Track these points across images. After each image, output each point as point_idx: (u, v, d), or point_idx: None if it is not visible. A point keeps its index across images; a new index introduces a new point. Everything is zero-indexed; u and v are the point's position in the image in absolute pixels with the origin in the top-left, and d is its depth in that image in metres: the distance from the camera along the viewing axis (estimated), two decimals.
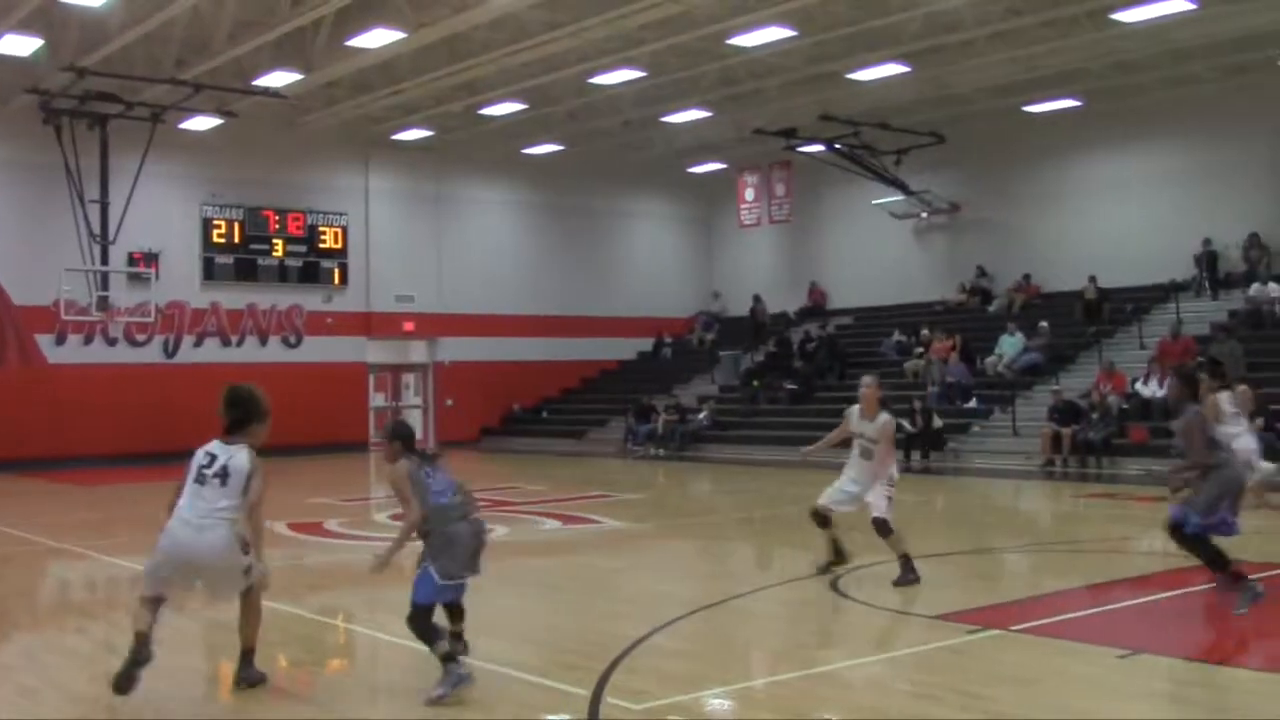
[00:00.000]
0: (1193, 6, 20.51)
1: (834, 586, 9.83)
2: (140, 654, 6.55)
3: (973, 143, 29.30)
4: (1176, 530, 8.60)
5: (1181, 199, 26.43)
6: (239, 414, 7.06)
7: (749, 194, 32.50)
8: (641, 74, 24.85)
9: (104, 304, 25.34)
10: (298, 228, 29.75)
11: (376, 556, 6.93)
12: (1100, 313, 26.06)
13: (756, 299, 33.98)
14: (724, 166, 34.07)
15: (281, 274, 29.54)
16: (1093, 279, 26.37)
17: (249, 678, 7.01)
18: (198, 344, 28.37)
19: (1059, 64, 24.06)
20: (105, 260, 25.40)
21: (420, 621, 6.82)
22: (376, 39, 21.47)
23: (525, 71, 24.60)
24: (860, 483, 10.09)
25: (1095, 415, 21.22)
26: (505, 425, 32.88)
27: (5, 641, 8.88)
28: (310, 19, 21.04)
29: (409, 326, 31.59)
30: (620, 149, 32.58)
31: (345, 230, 30.44)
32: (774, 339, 31.74)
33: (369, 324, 30.98)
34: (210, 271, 28.60)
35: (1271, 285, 23.95)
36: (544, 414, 33.18)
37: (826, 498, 10.20)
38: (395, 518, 8.24)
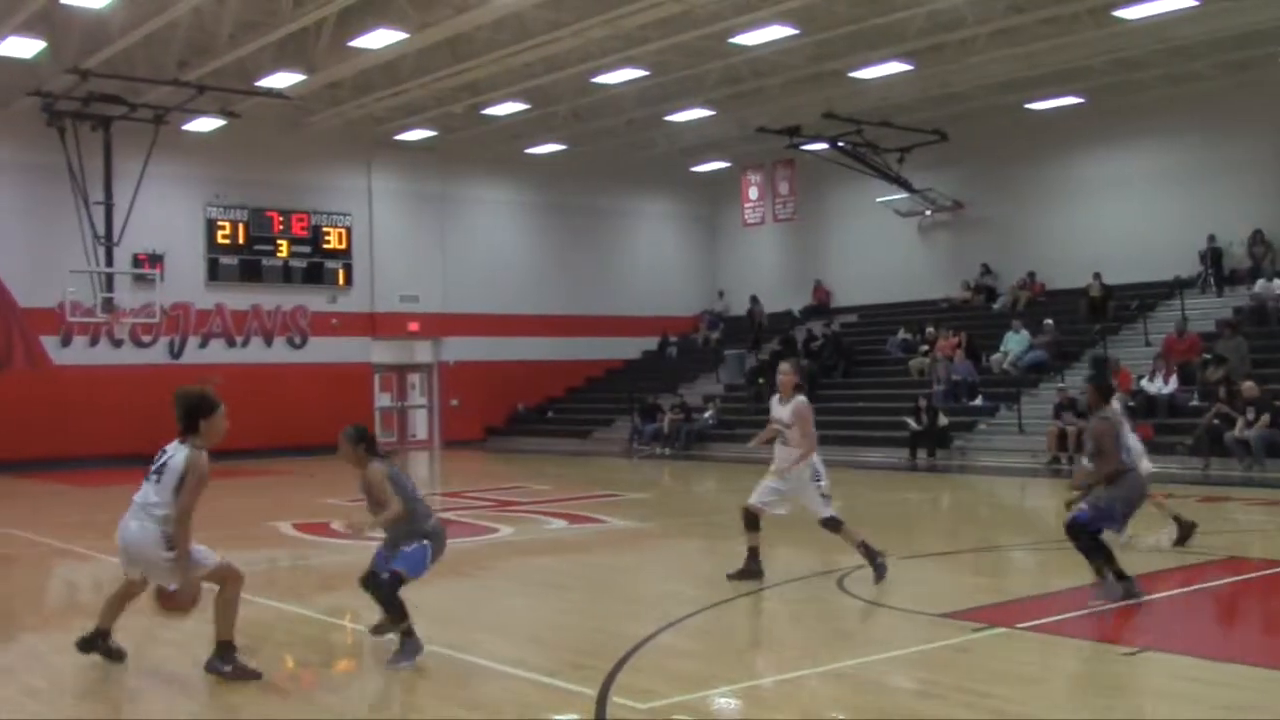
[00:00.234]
0: (1195, 3, 20.47)
1: (840, 585, 9.82)
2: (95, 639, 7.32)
3: (976, 140, 29.28)
4: (1076, 528, 8.59)
5: (1186, 196, 26.39)
6: (180, 414, 7.24)
7: (753, 193, 32.49)
8: (644, 73, 24.85)
9: (109, 305, 25.41)
10: (302, 228, 29.78)
11: (352, 523, 7.60)
12: (1105, 310, 26.02)
13: (754, 300, 34.00)
14: (727, 165, 34.06)
15: (286, 274, 29.58)
16: (1097, 276, 26.33)
17: (213, 668, 7.07)
18: (203, 345, 28.41)
19: (1061, 61, 24.04)
20: (110, 262, 25.46)
21: (395, 590, 7.16)
22: (379, 39, 21.48)
23: (528, 71, 24.60)
24: (782, 473, 9.93)
25: None
26: (510, 425, 32.89)
27: (11, 642, 8.89)
28: (313, 19, 21.05)
29: (414, 327, 31.61)
30: (623, 148, 32.58)
31: (349, 231, 30.47)
32: (778, 337, 31.72)
33: (374, 324, 31.00)
34: (215, 272, 28.64)
35: (1276, 281, 23.94)
36: (549, 414, 33.19)
37: (756, 496, 10.08)
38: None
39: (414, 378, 33.29)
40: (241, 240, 28.97)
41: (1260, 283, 24.13)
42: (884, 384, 27.51)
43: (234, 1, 20.86)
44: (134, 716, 6.78)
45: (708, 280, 36.78)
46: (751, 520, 10.10)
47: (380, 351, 31.62)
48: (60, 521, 16.59)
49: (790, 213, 31.82)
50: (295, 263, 29.69)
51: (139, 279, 26.42)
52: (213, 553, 7.19)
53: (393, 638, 7.42)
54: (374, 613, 7.82)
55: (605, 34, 21.73)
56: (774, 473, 9.98)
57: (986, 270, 30.05)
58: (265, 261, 29.31)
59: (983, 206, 30.27)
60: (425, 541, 7.40)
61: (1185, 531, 11.49)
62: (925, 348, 27.30)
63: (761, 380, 29.49)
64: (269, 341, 29.42)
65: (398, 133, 29.92)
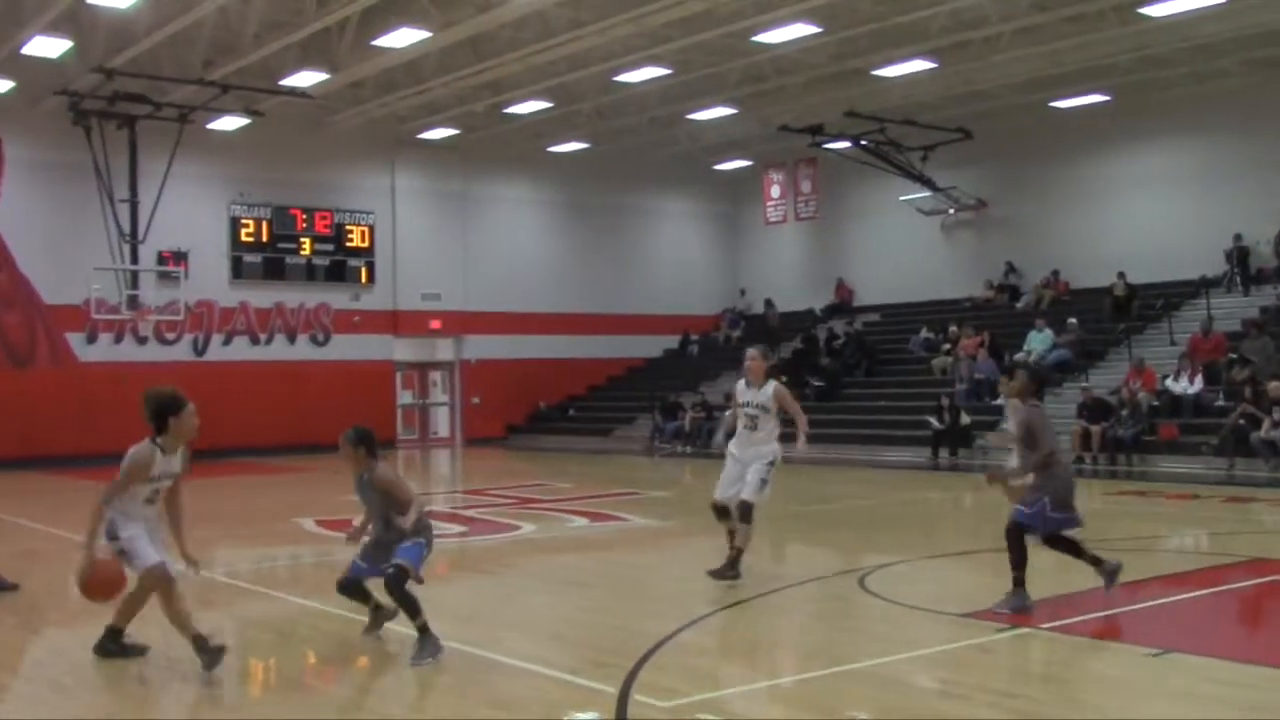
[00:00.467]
0: (1221, 0, 20.32)
1: (861, 584, 9.80)
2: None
3: (1000, 139, 29.15)
4: (1018, 530, 8.52)
5: (1212, 194, 26.19)
6: (150, 412, 7.38)
7: (774, 191, 32.46)
8: (667, 72, 24.85)
9: (134, 303, 25.58)
10: (325, 226, 29.90)
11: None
12: (1130, 309, 25.87)
13: (768, 304, 34.00)
14: (749, 164, 34.03)
15: (309, 273, 29.71)
16: (1122, 275, 26.18)
17: (101, 646, 7.32)
18: (226, 342, 28.57)
19: (1085, 59, 23.92)
20: (135, 259, 25.62)
21: (404, 584, 7.26)
22: (402, 38, 21.55)
23: (550, 70, 24.63)
24: (743, 461, 9.92)
25: (1125, 412, 21.07)
26: (531, 423, 32.94)
27: (37, 637, 8.97)
28: (336, 19, 21.13)
29: (435, 324, 31.69)
30: (645, 147, 32.58)
31: (372, 229, 30.58)
32: (800, 336, 31.66)
33: (396, 322, 31.10)
34: (238, 270, 28.80)
35: None
36: (570, 412, 33.22)
37: (720, 490, 10.05)
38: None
39: (435, 375, 33.38)
40: (265, 238, 29.11)
41: None
42: (906, 383, 27.41)
43: (259, 1, 20.95)
44: (158, 711, 6.82)
45: (729, 279, 36.74)
46: (722, 512, 10.07)
47: (402, 349, 31.71)
48: (84, 517, 16.64)
49: (812, 211, 31.76)
50: (318, 261, 29.82)
51: (163, 276, 26.60)
52: (154, 556, 7.17)
53: (391, 627, 7.48)
54: (363, 615, 7.87)
55: (627, 32, 21.74)
56: (741, 458, 9.94)
57: (1011, 269, 29.92)
58: (288, 259, 29.45)
59: (1006, 205, 30.13)
60: (420, 539, 7.50)
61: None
62: (948, 346, 27.20)
63: (784, 379, 29.46)
64: (292, 339, 29.55)
65: (420, 131, 30.00)
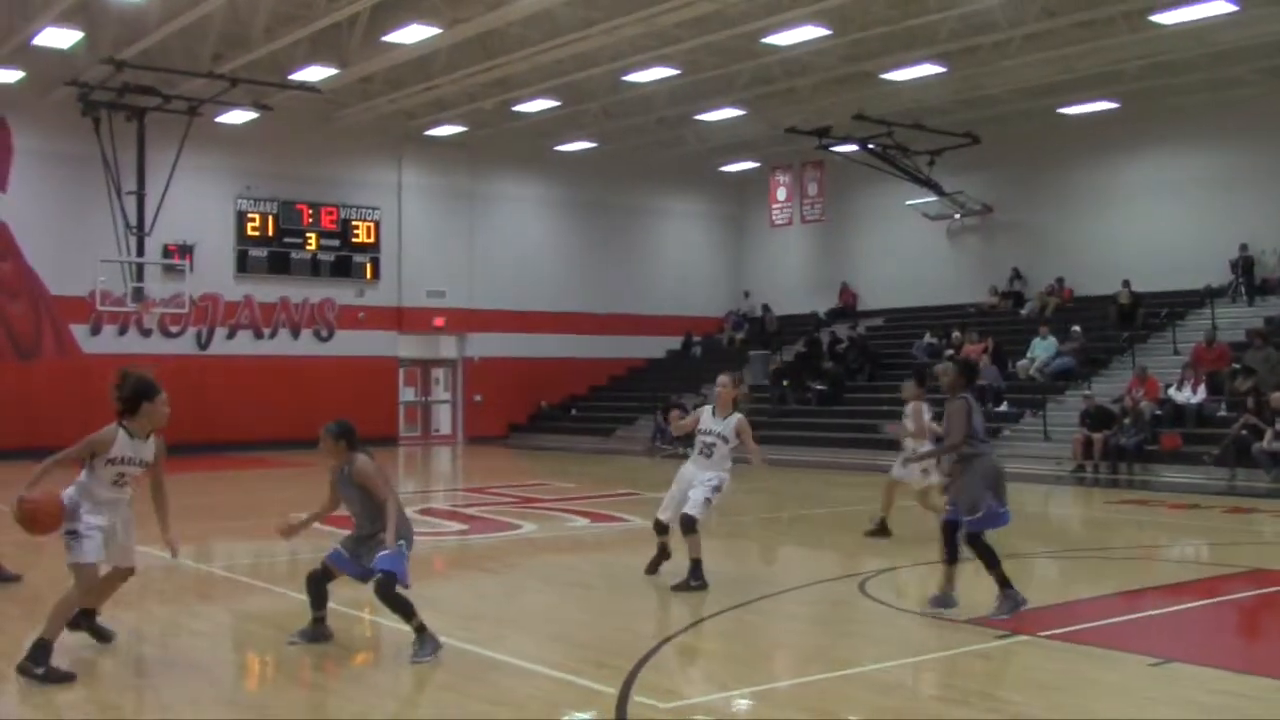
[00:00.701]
0: (1234, 8, 20.30)
1: (862, 588, 9.80)
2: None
3: (1007, 144, 29.14)
4: (951, 528, 8.58)
5: (1219, 203, 26.17)
6: (128, 391, 7.37)
7: (781, 193, 32.42)
8: (675, 72, 24.85)
9: (139, 295, 25.58)
10: (331, 222, 29.93)
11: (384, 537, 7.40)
12: (1134, 317, 25.84)
13: (765, 308, 33.99)
14: (756, 165, 34.02)
15: (314, 268, 29.72)
16: (1126, 283, 26.16)
17: (25, 670, 6.96)
18: (230, 336, 28.58)
19: (1095, 65, 23.89)
20: (141, 252, 25.63)
21: (393, 589, 7.22)
22: (411, 35, 21.57)
23: (559, 68, 24.64)
24: (690, 482, 9.92)
25: (1128, 421, 21.05)
26: (533, 422, 32.95)
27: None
28: (346, 14, 21.17)
29: (439, 322, 31.70)
30: (653, 147, 32.58)
31: (378, 225, 30.59)
32: (803, 339, 31.65)
33: (400, 319, 31.11)
34: (244, 264, 28.81)
35: None
36: (572, 411, 33.23)
37: (663, 510, 10.07)
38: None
39: (438, 373, 33.40)
40: (271, 233, 29.14)
41: None
42: None
43: None
44: (159, 704, 6.83)
45: (733, 280, 36.74)
46: (662, 528, 10.10)
47: (406, 346, 31.73)
48: None
49: (818, 214, 31.73)
50: (324, 256, 29.84)
51: (169, 269, 26.61)
52: (92, 558, 7.17)
53: (390, 624, 7.46)
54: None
55: (637, 32, 21.75)
56: (687, 480, 9.98)
57: (1017, 275, 29.90)
58: (294, 254, 29.47)
59: (1012, 211, 30.11)
60: (400, 542, 7.38)
61: (879, 529, 12.48)
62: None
63: (786, 383, 29.47)
64: (296, 334, 29.57)
65: (428, 128, 30.02)
